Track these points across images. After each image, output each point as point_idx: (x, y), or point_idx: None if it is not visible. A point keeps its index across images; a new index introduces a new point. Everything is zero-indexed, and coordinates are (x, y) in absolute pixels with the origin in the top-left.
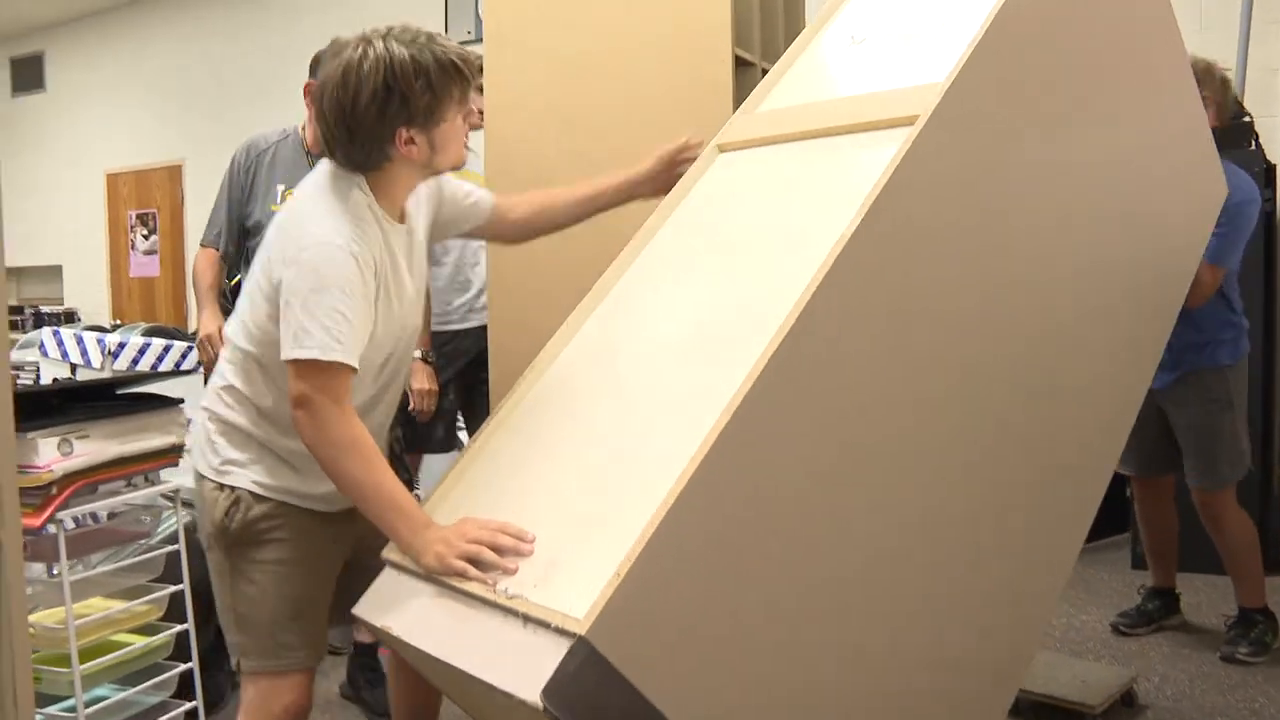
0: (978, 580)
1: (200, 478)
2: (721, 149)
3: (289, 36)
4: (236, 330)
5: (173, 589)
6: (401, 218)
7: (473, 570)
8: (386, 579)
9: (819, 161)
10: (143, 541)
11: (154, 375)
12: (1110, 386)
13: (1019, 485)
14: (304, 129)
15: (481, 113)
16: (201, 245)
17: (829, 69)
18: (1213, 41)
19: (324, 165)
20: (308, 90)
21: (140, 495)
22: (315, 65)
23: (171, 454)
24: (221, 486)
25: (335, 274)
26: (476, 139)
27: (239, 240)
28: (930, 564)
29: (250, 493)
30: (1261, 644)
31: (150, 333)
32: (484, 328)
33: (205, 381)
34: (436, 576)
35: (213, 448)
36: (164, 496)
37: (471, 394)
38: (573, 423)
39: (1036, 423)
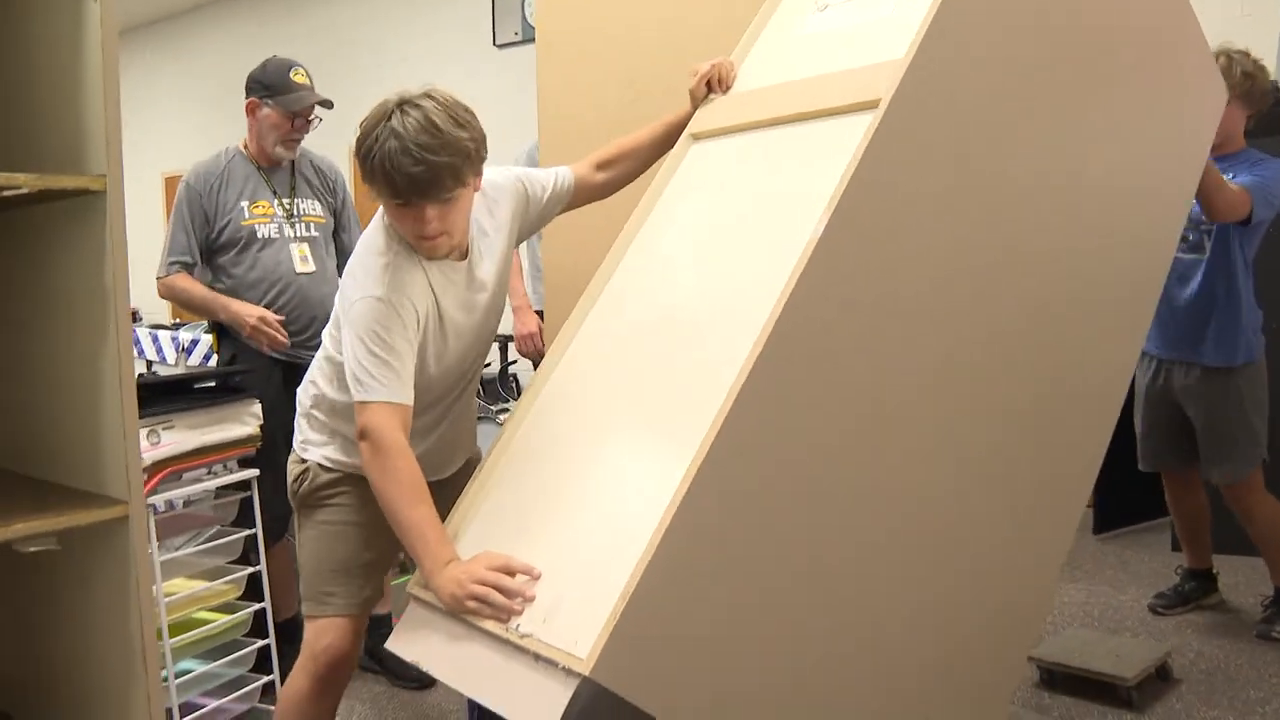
0: (976, 569)
1: (289, 453)
2: (695, 137)
3: (344, 42)
4: (327, 340)
5: (250, 570)
6: (461, 255)
7: (485, 609)
8: (413, 612)
9: (787, 154)
10: (219, 527)
11: (228, 371)
12: (1100, 364)
13: (1012, 469)
14: (245, 146)
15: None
16: (165, 275)
17: (795, 42)
18: (1254, 26)
19: (375, 217)
20: (253, 107)
21: (218, 482)
22: (251, 85)
23: (248, 443)
24: (299, 460)
25: (376, 325)
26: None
27: (206, 259)
28: (928, 559)
29: (319, 465)
30: None
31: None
32: None
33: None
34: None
35: (298, 429)
36: (238, 486)
37: None
38: (570, 448)
39: (1027, 405)
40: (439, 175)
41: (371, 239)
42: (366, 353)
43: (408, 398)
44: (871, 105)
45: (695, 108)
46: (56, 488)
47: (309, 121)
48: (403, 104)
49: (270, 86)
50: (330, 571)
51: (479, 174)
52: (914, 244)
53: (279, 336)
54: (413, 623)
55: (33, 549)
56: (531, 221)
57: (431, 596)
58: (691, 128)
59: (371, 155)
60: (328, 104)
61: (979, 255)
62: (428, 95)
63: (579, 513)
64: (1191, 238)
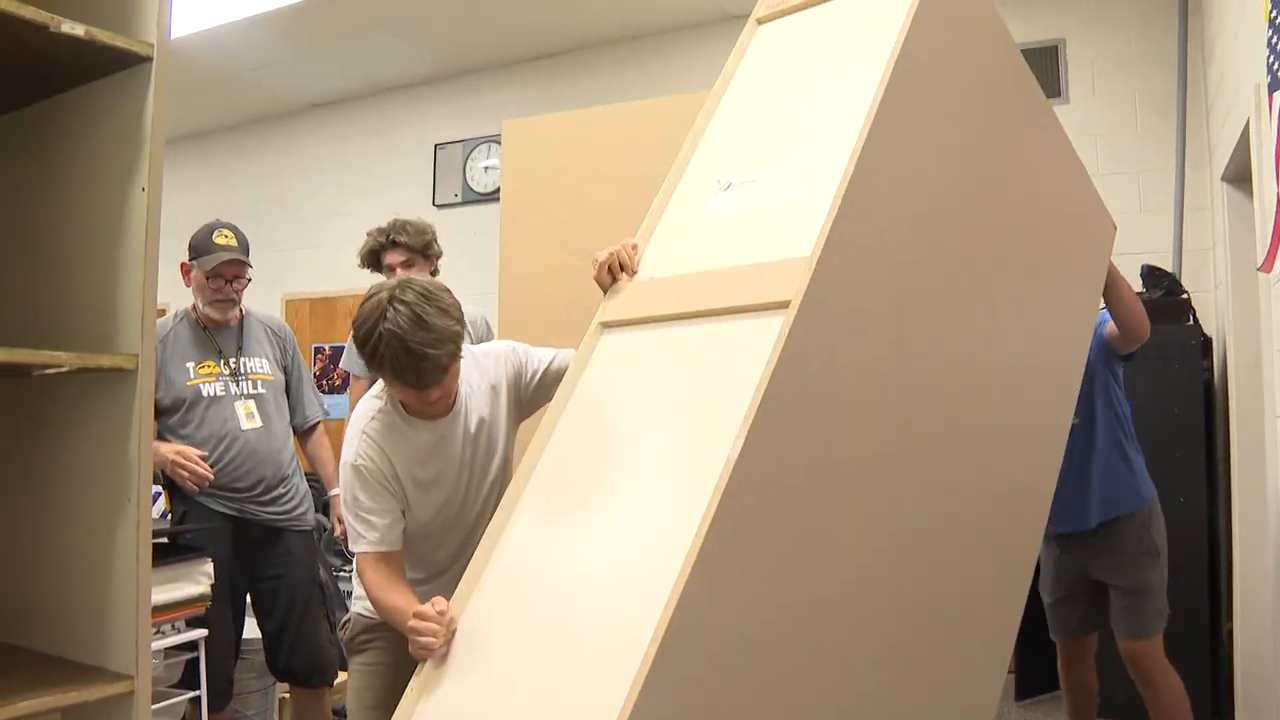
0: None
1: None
2: (605, 326)
3: (286, 191)
4: None
5: None
6: (447, 409)
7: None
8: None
9: (700, 354)
10: (162, 688)
11: (179, 530)
12: (1011, 539)
13: (931, 649)
14: (194, 308)
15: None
16: None
17: (700, 224)
18: (1150, 222)
19: (370, 392)
20: (184, 269)
21: (166, 643)
22: (190, 247)
23: (198, 603)
24: (349, 610)
25: (354, 489)
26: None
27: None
28: (892, 663)
29: (359, 614)
30: None
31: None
32: None
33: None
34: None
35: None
36: (184, 646)
37: None
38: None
39: (939, 589)
40: (441, 363)
41: (360, 410)
42: (349, 513)
43: (386, 545)
44: (781, 307)
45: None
46: (60, 662)
47: (231, 282)
48: (394, 299)
49: (195, 248)
50: (368, 707)
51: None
52: (827, 440)
53: (199, 470)
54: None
55: None
56: (530, 400)
57: None
58: (601, 315)
59: (378, 352)
60: (229, 268)
61: (895, 441)
62: (411, 285)
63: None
64: None
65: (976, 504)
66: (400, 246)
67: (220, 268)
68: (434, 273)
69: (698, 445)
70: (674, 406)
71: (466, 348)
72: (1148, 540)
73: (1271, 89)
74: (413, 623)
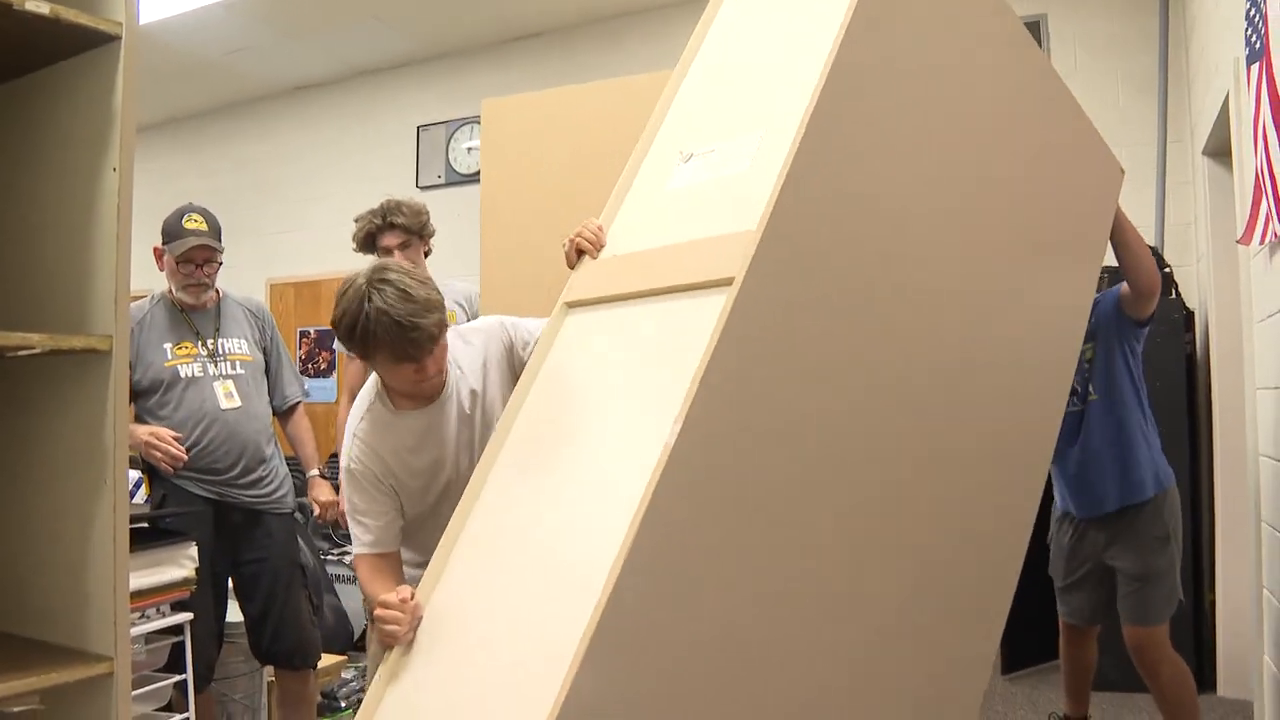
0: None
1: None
2: (569, 306)
3: (270, 176)
4: None
5: (178, 718)
6: (431, 397)
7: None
8: None
9: (647, 337)
10: (147, 672)
11: (159, 514)
12: (1018, 463)
13: (917, 622)
14: (170, 291)
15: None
16: None
17: (661, 198)
18: (1133, 198)
19: (361, 393)
20: (157, 253)
21: (150, 627)
22: (162, 231)
23: (183, 586)
24: None
25: (349, 493)
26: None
27: (131, 401)
28: (862, 643)
29: None
30: None
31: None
32: None
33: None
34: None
35: None
36: (169, 630)
37: None
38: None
39: (926, 561)
40: (431, 332)
41: (352, 413)
42: (352, 518)
43: (380, 546)
44: (725, 284)
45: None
46: (39, 645)
47: (201, 266)
48: (372, 282)
49: (166, 233)
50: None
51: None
52: (776, 421)
53: (173, 450)
54: None
55: (16, 709)
56: (524, 362)
57: None
58: (566, 295)
59: (370, 334)
60: (199, 253)
61: (862, 419)
62: (387, 268)
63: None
64: (1079, 388)
65: (957, 486)
66: (396, 228)
67: (189, 252)
68: (428, 253)
69: (641, 432)
70: (619, 392)
71: (452, 328)
72: (1160, 525)
73: (1249, 61)
74: (378, 611)
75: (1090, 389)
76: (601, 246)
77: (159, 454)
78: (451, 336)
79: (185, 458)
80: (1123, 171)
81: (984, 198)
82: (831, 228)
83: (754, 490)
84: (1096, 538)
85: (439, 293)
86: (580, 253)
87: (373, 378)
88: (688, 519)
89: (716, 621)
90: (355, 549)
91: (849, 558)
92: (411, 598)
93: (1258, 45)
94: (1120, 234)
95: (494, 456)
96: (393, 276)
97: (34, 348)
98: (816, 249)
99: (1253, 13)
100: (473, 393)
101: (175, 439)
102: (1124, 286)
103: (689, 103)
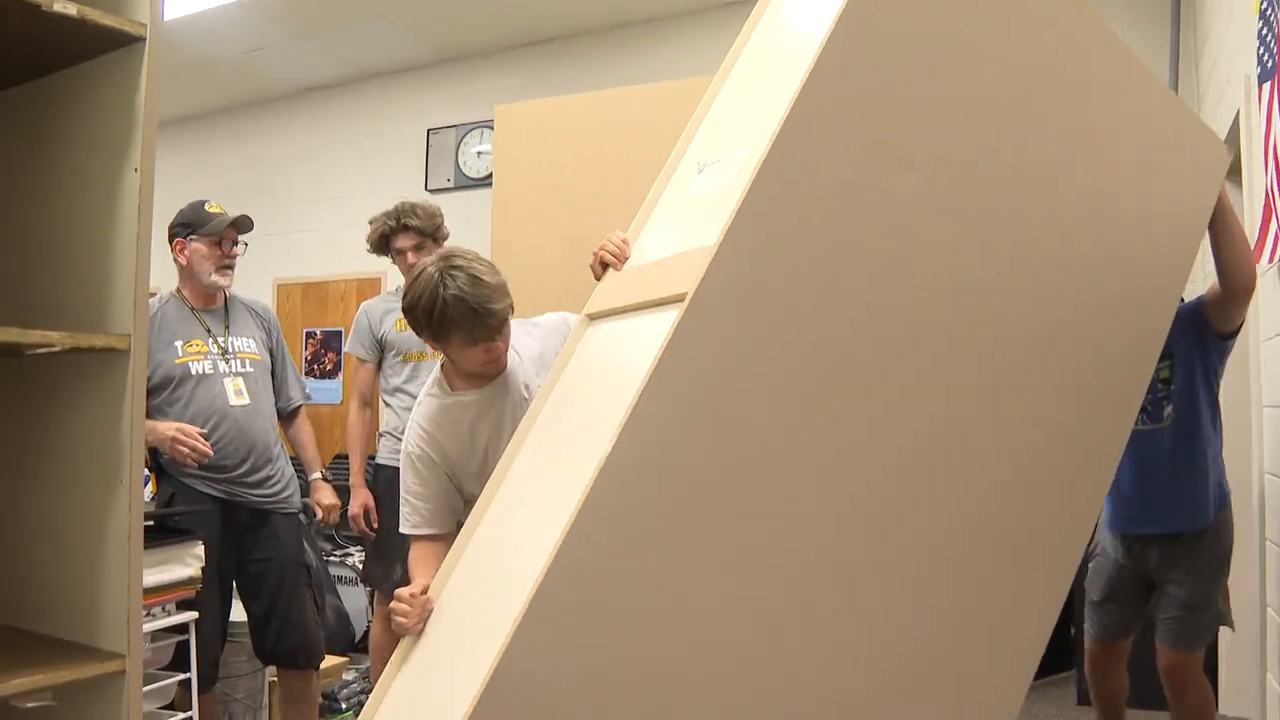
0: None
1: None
2: (590, 318)
3: (281, 175)
4: None
5: (182, 717)
6: (491, 377)
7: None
8: None
9: (622, 351)
10: (152, 670)
11: (167, 512)
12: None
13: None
14: (179, 290)
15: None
16: None
17: (679, 208)
18: None
19: (428, 382)
20: (179, 246)
21: (155, 625)
22: (173, 230)
23: (189, 585)
24: None
25: (405, 474)
26: None
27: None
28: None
29: None
30: None
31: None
32: None
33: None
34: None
35: None
36: (174, 629)
37: None
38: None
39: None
40: (503, 315)
41: (419, 400)
42: (405, 498)
43: (428, 528)
44: (680, 299)
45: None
46: (52, 641)
47: (235, 245)
48: (444, 270)
49: (189, 223)
50: None
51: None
52: (727, 441)
53: (200, 445)
54: None
55: (30, 705)
56: None
57: None
58: (588, 308)
59: (446, 318)
60: (246, 222)
61: (838, 440)
62: (455, 255)
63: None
64: (1151, 407)
65: (970, 499)
66: (411, 230)
67: (227, 231)
68: None
69: (594, 446)
70: (592, 406)
71: (517, 320)
72: (1220, 548)
73: (1261, 80)
74: (393, 604)
75: (1166, 411)
76: (625, 259)
77: (185, 449)
78: (515, 325)
79: (211, 453)
80: (1228, 153)
81: (1022, 193)
82: (803, 241)
83: (699, 504)
84: (1146, 553)
85: (502, 277)
86: (605, 265)
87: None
88: (615, 531)
89: (651, 620)
90: (404, 528)
91: (812, 568)
92: (424, 591)
93: (1269, 64)
94: (1221, 219)
95: (510, 462)
96: (462, 263)
97: (54, 346)
98: (782, 265)
99: (1265, 31)
100: (527, 386)
101: (201, 434)
102: (1210, 289)
103: (720, 109)
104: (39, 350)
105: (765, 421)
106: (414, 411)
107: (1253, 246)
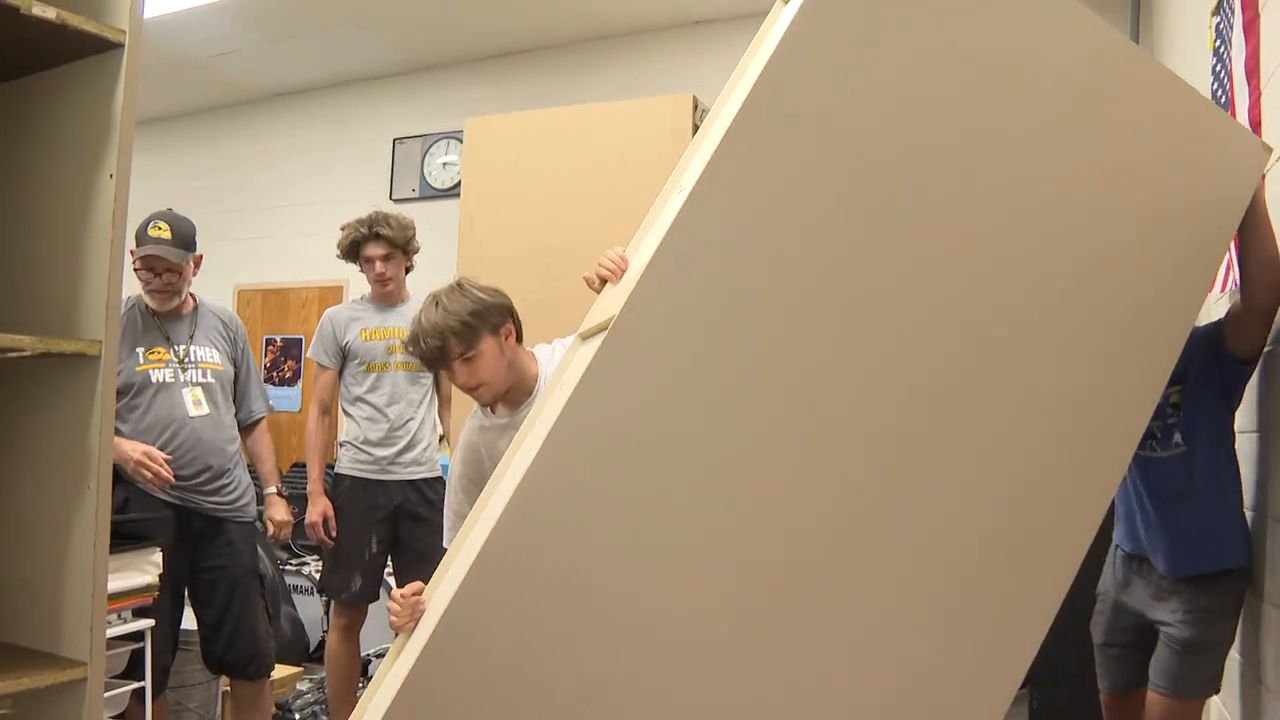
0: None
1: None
2: (582, 337)
3: (247, 179)
4: None
5: None
6: (515, 401)
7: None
8: None
9: (574, 369)
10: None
11: (121, 519)
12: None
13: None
14: (144, 296)
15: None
16: None
17: (658, 229)
18: None
19: None
20: (132, 255)
21: (111, 633)
22: (136, 235)
23: (145, 593)
24: None
25: (449, 488)
26: None
27: None
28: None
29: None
30: None
31: None
32: (406, 483)
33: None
34: None
35: None
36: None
37: (399, 548)
38: None
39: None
40: (439, 352)
41: (465, 422)
42: (445, 512)
43: None
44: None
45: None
46: (13, 648)
47: (160, 275)
48: (431, 300)
49: (137, 238)
50: None
51: (496, 332)
52: (646, 471)
53: (163, 472)
54: None
55: None
56: None
57: None
58: (582, 326)
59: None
60: (154, 261)
61: (764, 471)
62: (448, 288)
63: None
64: (1159, 433)
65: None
66: (382, 239)
67: (145, 260)
68: (409, 269)
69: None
70: (545, 425)
71: (557, 341)
72: (1229, 597)
73: None
74: (389, 603)
75: (1175, 439)
76: (623, 273)
77: (149, 473)
78: (551, 346)
79: (173, 480)
80: (1269, 150)
81: (991, 200)
82: (737, 262)
83: (618, 521)
84: (1144, 587)
85: (475, 311)
86: (604, 281)
87: None
88: (533, 546)
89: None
90: (445, 542)
91: (743, 583)
92: (417, 593)
93: (1223, 99)
94: (1251, 225)
95: (500, 475)
96: (441, 293)
97: (24, 350)
98: (714, 286)
99: (1218, 68)
100: None
101: (166, 459)
102: (1231, 306)
103: (712, 129)
104: (9, 354)
105: (693, 438)
106: (461, 432)
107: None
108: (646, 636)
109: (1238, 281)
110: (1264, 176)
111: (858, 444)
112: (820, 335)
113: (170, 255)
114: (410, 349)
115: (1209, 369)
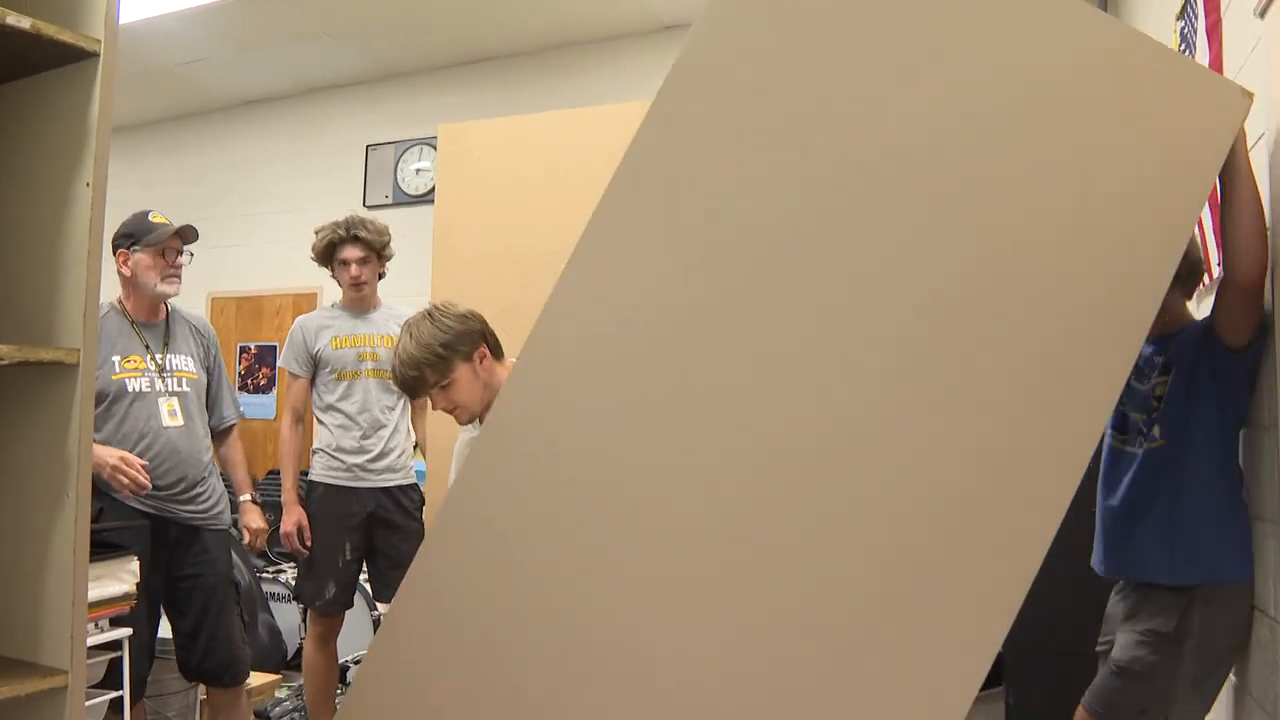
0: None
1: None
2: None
3: (217, 187)
4: None
5: None
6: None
7: None
8: None
9: None
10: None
11: (97, 528)
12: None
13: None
14: (120, 301)
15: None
16: None
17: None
18: None
19: None
20: (123, 258)
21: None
22: (116, 241)
23: (123, 601)
24: None
25: None
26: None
27: None
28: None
29: None
30: None
31: None
32: (380, 490)
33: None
34: None
35: None
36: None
37: (374, 555)
38: None
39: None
40: (416, 382)
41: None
42: None
43: None
44: None
45: None
46: None
47: (180, 254)
48: (405, 331)
49: (133, 234)
50: None
51: (469, 358)
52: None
53: (140, 478)
54: None
55: None
56: None
57: None
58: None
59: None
60: (191, 232)
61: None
62: (413, 323)
63: None
64: (1143, 426)
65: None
66: (360, 242)
67: (171, 241)
68: (382, 275)
69: None
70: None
71: None
72: (1182, 622)
73: None
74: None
75: (1156, 430)
76: None
77: (125, 479)
78: None
79: (150, 487)
80: (1249, 97)
81: (900, 179)
82: (652, 259)
83: (548, 530)
84: (1117, 607)
85: (445, 342)
86: None
87: None
88: (455, 559)
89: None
90: None
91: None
92: None
93: None
94: (1229, 186)
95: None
96: (413, 327)
97: (2, 359)
98: (631, 286)
99: None
100: None
101: (144, 467)
102: (1218, 290)
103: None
104: None
105: (615, 438)
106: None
107: None
108: (580, 637)
109: (1221, 262)
110: (1244, 130)
111: (794, 435)
112: (756, 320)
113: (185, 235)
114: (393, 380)
115: (1200, 357)
